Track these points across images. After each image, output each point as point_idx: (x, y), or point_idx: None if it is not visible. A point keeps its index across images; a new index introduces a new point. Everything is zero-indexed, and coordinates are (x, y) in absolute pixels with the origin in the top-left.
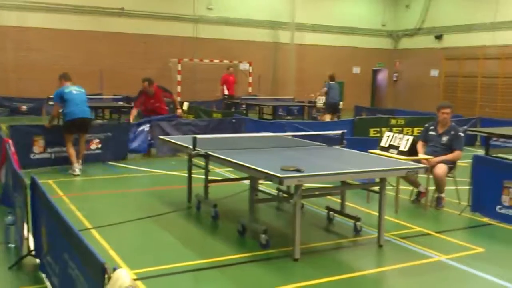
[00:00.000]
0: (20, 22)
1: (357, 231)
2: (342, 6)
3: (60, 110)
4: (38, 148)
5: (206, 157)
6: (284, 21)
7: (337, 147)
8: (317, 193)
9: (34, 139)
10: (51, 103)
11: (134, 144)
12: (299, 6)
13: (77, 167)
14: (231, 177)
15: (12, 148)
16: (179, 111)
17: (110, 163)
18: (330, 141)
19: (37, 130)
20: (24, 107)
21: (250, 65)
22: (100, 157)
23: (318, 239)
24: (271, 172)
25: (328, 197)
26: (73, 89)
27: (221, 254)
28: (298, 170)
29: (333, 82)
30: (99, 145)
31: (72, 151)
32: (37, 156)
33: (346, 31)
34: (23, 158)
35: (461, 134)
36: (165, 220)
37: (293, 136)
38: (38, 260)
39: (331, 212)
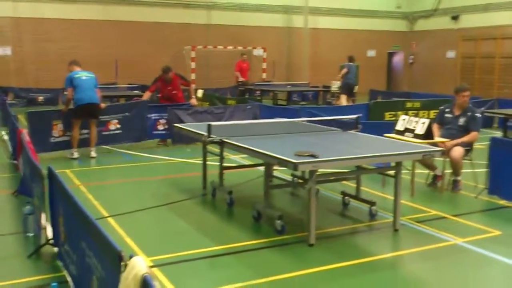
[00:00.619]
0: (36, 13)
1: (372, 216)
2: None
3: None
4: (57, 132)
5: (221, 144)
6: (298, 5)
7: (352, 131)
8: (332, 178)
9: (53, 124)
10: (66, 93)
11: (150, 127)
12: None
13: (75, 151)
14: (246, 163)
15: (27, 138)
16: (193, 100)
17: (124, 151)
18: (345, 125)
19: (55, 115)
20: (40, 98)
21: (264, 51)
22: (118, 138)
23: (333, 224)
24: (285, 158)
25: (343, 182)
26: (82, 75)
27: (237, 240)
28: (313, 156)
29: (352, 63)
30: (118, 126)
31: (76, 135)
32: (57, 140)
33: (360, 14)
34: (43, 143)
35: (478, 115)
36: (181, 207)
37: (307, 121)
38: (56, 249)
39: (346, 197)
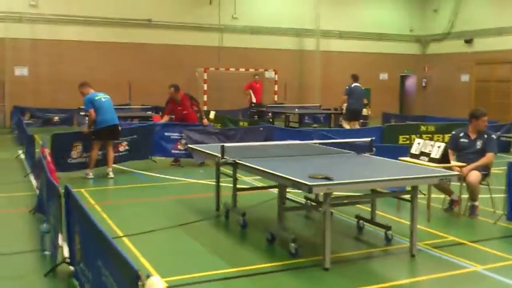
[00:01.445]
0: (52, 35)
1: (388, 240)
2: (368, 12)
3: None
4: (76, 153)
5: (234, 165)
6: (309, 28)
7: (366, 154)
8: (346, 201)
9: (73, 145)
10: (82, 113)
11: (158, 147)
12: (324, 13)
13: (91, 172)
14: (259, 185)
15: (48, 158)
16: (205, 121)
17: (138, 171)
18: (359, 148)
19: (76, 137)
20: (56, 118)
21: (275, 73)
22: (126, 158)
23: (348, 248)
24: (300, 180)
25: (357, 205)
26: (101, 97)
27: (251, 263)
28: (327, 178)
29: (356, 85)
30: (127, 147)
31: (95, 156)
32: (75, 161)
33: (373, 37)
34: (61, 163)
35: (494, 136)
36: (194, 228)
37: (321, 144)
38: (72, 268)
39: (361, 221)
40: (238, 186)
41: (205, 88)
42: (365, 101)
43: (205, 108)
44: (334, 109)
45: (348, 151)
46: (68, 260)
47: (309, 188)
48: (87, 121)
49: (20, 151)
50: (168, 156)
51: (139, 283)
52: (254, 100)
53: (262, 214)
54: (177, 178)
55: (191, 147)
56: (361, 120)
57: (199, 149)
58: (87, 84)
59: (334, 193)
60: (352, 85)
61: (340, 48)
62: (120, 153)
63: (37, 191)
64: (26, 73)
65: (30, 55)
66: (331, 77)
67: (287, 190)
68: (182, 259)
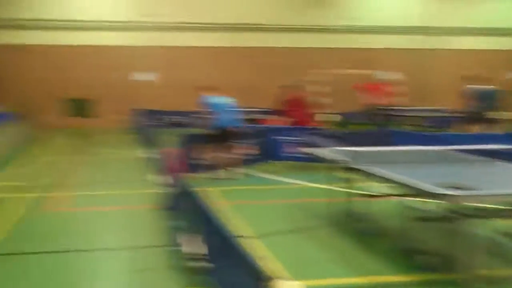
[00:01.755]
0: (170, 42)
1: None
2: (495, 6)
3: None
4: (203, 154)
5: (357, 170)
6: (429, 25)
7: (506, 162)
8: (485, 214)
9: (200, 146)
10: (199, 115)
11: (279, 150)
12: (446, 9)
13: (219, 172)
14: (382, 192)
15: (179, 157)
16: (314, 123)
17: (261, 174)
18: (498, 156)
19: (203, 138)
20: (177, 120)
21: (394, 74)
22: (250, 161)
23: (493, 267)
24: (431, 189)
25: (504, 219)
26: (221, 99)
27: (380, 273)
28: (463, 188)
29: (480, 86)
30: (250, 150)
31: (219, 158)
32: (201, 162)
33: (502, 33)
34: (188, 164)
35: None
36: (316, 233)
37: (451, 150)
38: (201, 264)
39: (507, 237)
40: (361, 192)
41: (318, 90)
42: (494, 104)
43: (322, 111)
44: (460, 112)
45: (485, 159)
46: (196, 257)
47: (446, 198)
48: (204, 124)
49: (144, 151)
50: (288, 160)
51: (268, 284)
52: (373, 101)
53: (387, 222)
54: (297, 181)
55: (310, 151)
56: (486, 124)
57: (318, 153)
58: (206, 88)
59: (473, 204)
60: (476, 87)
61: (465, 46)
62: (244, 156)
63: (163, 189)
64: (148, 78)
65: (151, 61)
66: (456, 77)
67: (416, 198)
68: (307, 264)
